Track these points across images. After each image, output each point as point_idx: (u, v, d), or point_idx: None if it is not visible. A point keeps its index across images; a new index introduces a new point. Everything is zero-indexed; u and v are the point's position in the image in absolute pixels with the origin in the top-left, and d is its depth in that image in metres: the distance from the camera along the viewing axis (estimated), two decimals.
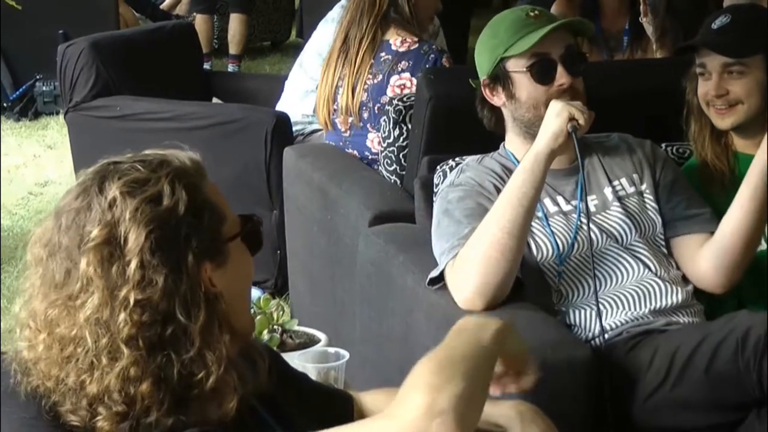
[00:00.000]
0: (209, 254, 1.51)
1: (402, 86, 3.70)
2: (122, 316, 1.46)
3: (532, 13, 2.64)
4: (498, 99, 2.68)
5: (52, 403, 1.48)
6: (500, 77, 2.65)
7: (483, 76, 2.69)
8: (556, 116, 2.51)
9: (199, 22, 7.84)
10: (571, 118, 2.50)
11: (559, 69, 2.60)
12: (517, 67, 2.62)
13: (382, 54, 3.77)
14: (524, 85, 2.63)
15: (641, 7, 4.13)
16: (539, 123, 2.54)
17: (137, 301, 1.46)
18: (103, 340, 1.46)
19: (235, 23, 8.08)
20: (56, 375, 1.48)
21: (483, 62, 2.69)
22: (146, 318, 1.46)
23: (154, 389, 1.46)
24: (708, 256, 2.62)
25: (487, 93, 2.69)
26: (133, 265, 1.46)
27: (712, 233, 2.64)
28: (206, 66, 6.88)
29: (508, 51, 2.62)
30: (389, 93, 3.70)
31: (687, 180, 2.78)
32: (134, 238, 1.46)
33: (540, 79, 2.60)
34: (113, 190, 1.48)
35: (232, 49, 8.12)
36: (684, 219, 2.68)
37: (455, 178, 2.68)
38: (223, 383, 1.49)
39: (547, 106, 2.55)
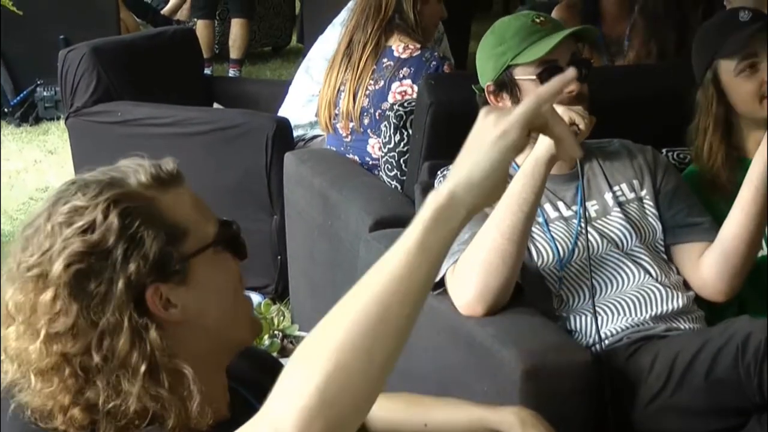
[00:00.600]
0: (160, 276, 1.48)
1: (403, 93, 3.70)
2: (39, 347, 1.46)
3: (538, 20, 2.65)
4: (503, 104, 2.67)
5: (34, 419, 1.49)
6: (506, 84, 2.65)
7: (487, 82, 2.68)
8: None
9: (200, 27, 7.85)
10: (572, 123, 2.50)
11: None
12: (525, 74, 2.62)
13: (385, 60, 3.78)
14: (532, 92, 2.61)
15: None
16: None
17: (51, 334, 1.46)
18: (27, 369, 1.47)
19: (237, 28, 8.09)
20: (28, 387, 1.50)
21: (487, 68, 2.68)
22: (65, 350, 1.45)
23: (85, 416, 1.46)
24: (710, 262, 2.62)
25: (491, 99, 2.68)
26: (48, 297, 1.46)
27: (712, 242, 2.64)
28: (207, 71, 6.89)
29: (516, 59, 2.62)
30: (390, 99, 3.70)
31: (688, 187, 2.78)
32: (55, 270, 1.46)
33: None
34: (56, 217, 1.48)
35: (233, 54, 8.13)
36: (685, 227, 2.68)
37: None
38: (162, 411, 1.47)
39: None
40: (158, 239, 1.49)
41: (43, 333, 1.46)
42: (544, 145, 2.51)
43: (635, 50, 4.14)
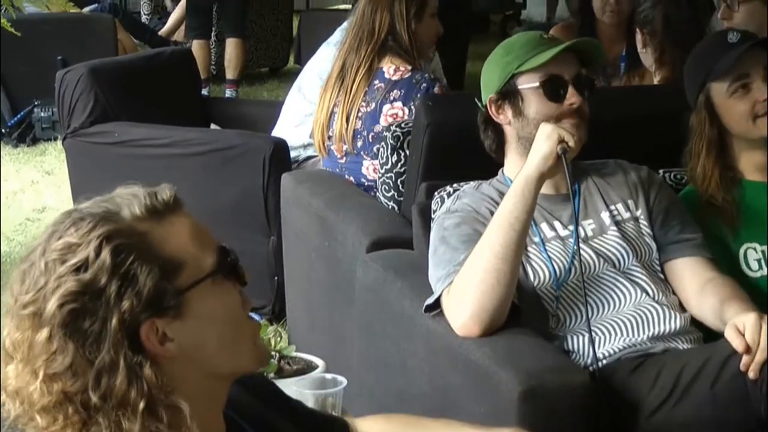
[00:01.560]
0: (154, 312, 1.47)
1: (394, 115, 3.71)
2: (36, 387, 1.45)
3: (546, 36, 2.71)
4: (504, 117, 2.68)
5: None
6: (510, 93, 2.67)
7: (491, 94, 2.69)
8: (546, 138, 2.53)
9: (196, 47, 7.86)
10: (561, 140, 2.51)
11: (570, 89, 2.63)
12: (529, 82, 2.64)
13: (376, 82, 3.78)
14: (534, 102, 2.64)
15: (639, 37, 4.13)
16: None
17: (49, 375, 1.45)
18: (22, 408, 1.46)
19: (231, 48, 8.10)
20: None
21: (492, 79, 2.70)
22: (64, 388, 1.45)
23: None
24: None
25: (492, 110, 2.69)
26: (43, 336, 1.45)
27: (704, 257, 2.64)
28: (204, 92, 6.89)
29: (521, 66, 2.64)
30: (382, 122, 3.71)
31: (683, 205, 2.79)
32: (50, 309, 1.45)
33: (552, 96, 2.63)
34: (49, 254, 1.47)
35: (229, 74, 8.14)
36: (676, 243, 2.69)
37: (452, 204, 2.69)
38: None
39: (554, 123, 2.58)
40: (152, 274, 1.47)
41: (41, 373, 1.45)
42: (533, 163, 2.53)
43: (667, 70, 4.04)
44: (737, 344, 2.27)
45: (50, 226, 1.51)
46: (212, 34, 8.40)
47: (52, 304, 1.45)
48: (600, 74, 4.36)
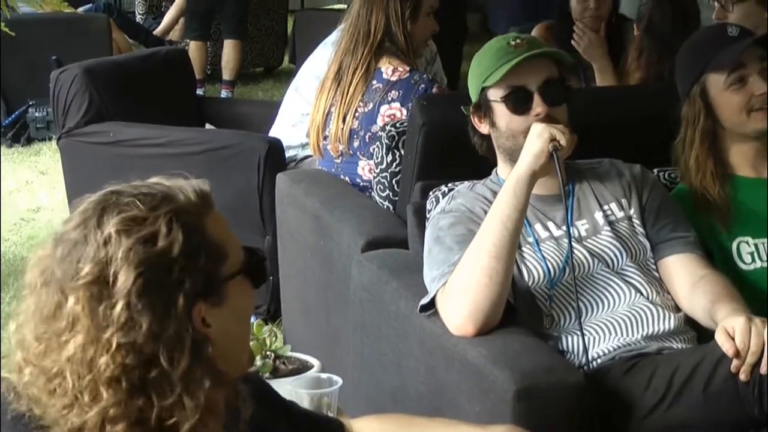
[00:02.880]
0: (204, 295, 1.50)
1: (392, 116, 3.71)
2: (104, 358, 1.45)
3: (513, 42, 2.66)
4: (484, 127, 2.71)
5: (39, 427, 1.48)
6: (483, 106, 2.69)
7: (472, 104, 2.72)
8: (538, 137, 2.53)
9: (193, 48, 7.87)
10: (553, 139, 2.52)
11: (536, 98, 2.61)
12: (495, 96, 2.66)
13: (374, 82, 3.78)
14: (502, 115, 2.66)
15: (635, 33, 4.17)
16: (519, 151, 2.57)
17: (120, 345, 1.45)
18: (85, 380, 1.46)
19: (229, 49, 8.11)
20: (44, 402, 1.48)
21: (471, 90, 2.73)
22: (129, 361, 1.45)
23: (129, 431, 1.46)
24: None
25: (475, 120, 2.73)
26: (119, 307, 1.45)
27: (696, 254, 2.65)
28: (199, 92, 6.89)
29: (486, 81, 2.65)
30: (379, 122, 3.71)
31: (676, 203, 2.80)
32: (123, 280, 1.46)
33: (515, 110, 2.63)
34: (110, 227, 1.48)
35: (226, 75, 8.14)
36: (667, 241, 2.69)
37: (446, 204, 2.70)
38: (202, 430, 1.48)
39: (526, 134, 2.57)
40: (210, 257, 1.51)
41: (114, 342, 1.45)
42: (525, 162, 2.53)
43: (641, 72, 4.09)
44: (727, 348, 2.28)
45: (89, 208, 1.51)
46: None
47: (125, 275, 1.45)
48: (580, 76, 4.37)
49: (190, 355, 1.47)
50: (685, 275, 2.64)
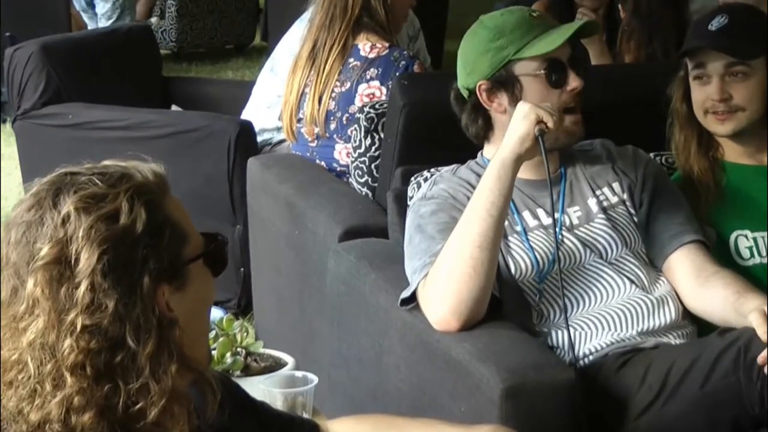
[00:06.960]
0: (167, 277, 1.51)
1: (371, 95, 3.70)
2: (68, 341, 1.45)
3: (534, 14, 2.69)
4: (497, 105, 2.66)
5: None
6: (505, 80, 2.65)
7: (479, 80, 2.66)
8: (523, 118, 2.51)
9: None
10: (539, 121, 2.51)
11: (571, 73, 2.63)
12: (528, 70, 2.63)
13: (351, 60, 3.77)
14: (536, 90, 2.63)
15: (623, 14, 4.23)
16: None
17: (85, 327, 1.45)
18: (47, 367, 1.46)
19: None
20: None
21: (481, 65, 2.66)
22: (94, 344, 1.45)
23: (96, 420, 1.45)
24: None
25: (484, 98, 2.66)
26: (82, 287, 1.45)
27: (695, 241, 2.65)
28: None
29: (519, 53, 2.63)
30: (357, 102, 3.70)
31: (672, 184, 2.80)
32: (86, 259, 1.45)
33: (555, 83, 2.62)
34: (68, 205, 1.47)
35: None
36: (669, 232, 2.69)
37: (428, 190, 2.69)
38: (169, 416, 1.49)
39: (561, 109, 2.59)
40: (173, 237, 1.52)
41: (78, 325, 1.45)
42: (509, 145, 2.52)
43: (633, 53, 4.17)
44: (762, 332, 2.28)
45: (42, 189, 1.51)
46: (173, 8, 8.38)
47: (88, 253, 1.45)
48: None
49: (157, 336, 1.48)
50: (692, 268, 2.63)
